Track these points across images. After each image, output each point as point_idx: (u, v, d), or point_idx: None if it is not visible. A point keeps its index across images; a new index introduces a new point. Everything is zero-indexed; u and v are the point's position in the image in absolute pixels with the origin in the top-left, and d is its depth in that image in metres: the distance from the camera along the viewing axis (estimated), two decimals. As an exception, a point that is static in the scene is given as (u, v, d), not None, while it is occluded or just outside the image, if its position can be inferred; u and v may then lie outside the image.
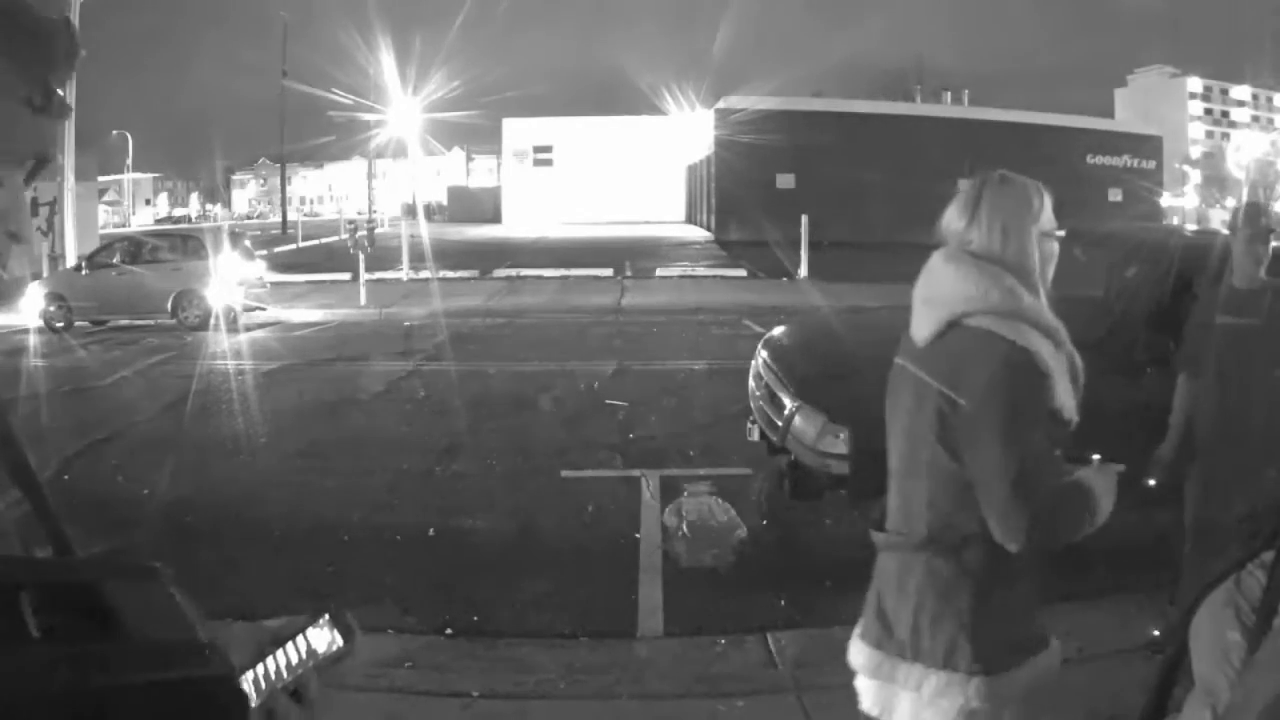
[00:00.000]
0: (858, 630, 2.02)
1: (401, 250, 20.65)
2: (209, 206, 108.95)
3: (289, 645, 0.90)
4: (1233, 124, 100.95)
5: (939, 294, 1.86)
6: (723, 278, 20.76)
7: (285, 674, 0.88)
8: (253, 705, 0.85)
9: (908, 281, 2.03)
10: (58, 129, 0.77)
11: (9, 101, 0.72)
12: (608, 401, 8.61)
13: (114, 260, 14.46)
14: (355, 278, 16.98)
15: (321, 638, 0.91)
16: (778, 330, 6.01)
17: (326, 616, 0.92)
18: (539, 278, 20.53)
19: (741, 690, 3.65)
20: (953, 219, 1.97)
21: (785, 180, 34.09)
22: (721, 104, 37.13)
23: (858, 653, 1.99)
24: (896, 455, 1.96)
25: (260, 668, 0.88)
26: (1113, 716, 3.14)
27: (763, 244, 23.50)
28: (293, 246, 32.43)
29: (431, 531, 5.45)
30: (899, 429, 1.94)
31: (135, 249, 14.89)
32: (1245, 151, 70.20)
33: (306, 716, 0.89)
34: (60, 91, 0.76)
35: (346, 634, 0.91)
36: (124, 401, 8.85)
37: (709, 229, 38.31)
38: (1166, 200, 50.20)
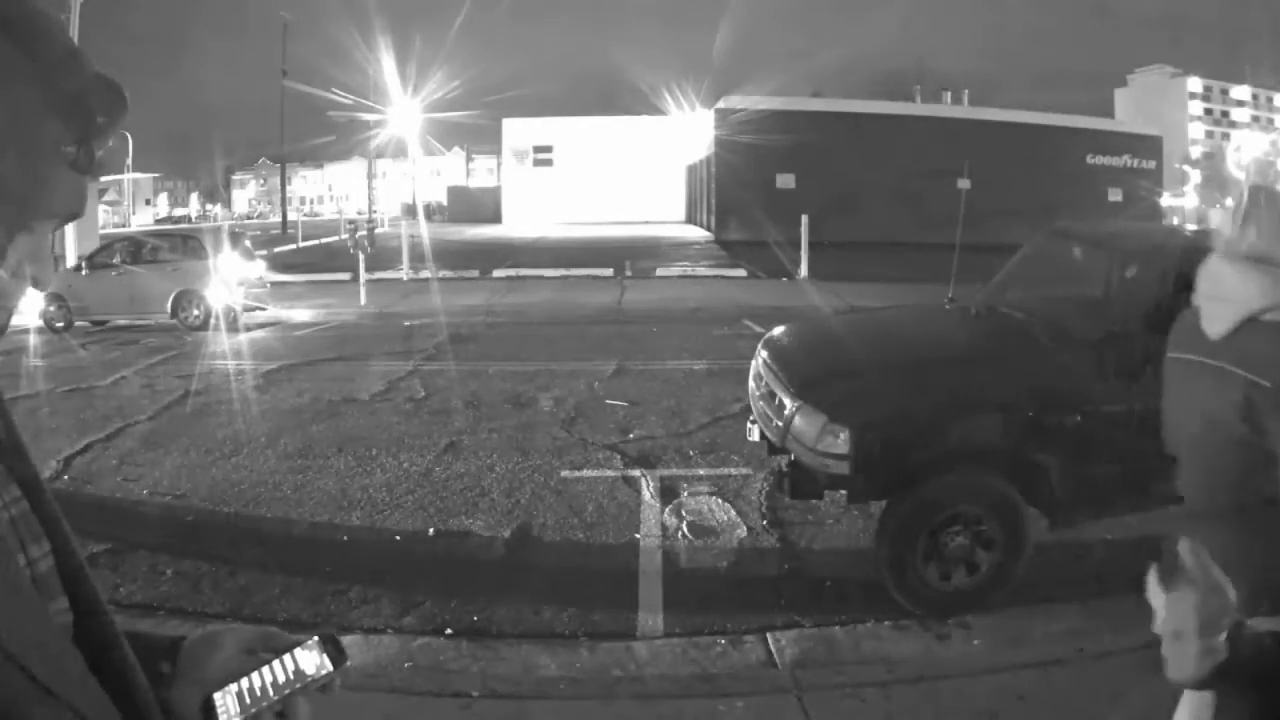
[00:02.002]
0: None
1: (401, 250, 20.66)
2: (209, 206, 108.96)
3: (275, 664, 0.89)
4: (1233, 124, 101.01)
5: (1229, 294, 2.13)
6: (723, 278, 20.76)
7: (271, 692, 0.87)
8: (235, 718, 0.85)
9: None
10: (88, 185, 0.80)
11: (59, 165, 0.75)
12: (608, 401, 8.61)
13: (114, 260, 14.46)
14: (355, 278, 16.99)
15: (310, 660, 0.90)
16: (778, 330, 6.00)
17: (316, 639, 0.91)
18: (539, 278, 20.54)
19: (741, 690, 3.65)
20: (1225, 225, 2.24)
21: (785, 180, 34.08)
22: (721, 104, 37.11)
23: None
24: (1191, 437, 2.24)
25: (245, 682, 0.87)
26: (1112, 717, 3.14)
27: (763, 244, 23.49)
28: (293, 246, 32.44)
29: (431, 531, 5.45)
30: (1194, 414, 2.21)
31: (135, 249, 14.87)
32: (1245, 151, 70.19)
33: None
34: (99, 153, 0.79)
35: (337, 659, 0.90)
36: (124, 401, 8.85)
37: (709, 229, 38.30)
38: (1166, 200, 50.16)
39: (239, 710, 0.86)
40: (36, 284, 0.79)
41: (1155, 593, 0.94)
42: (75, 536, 0.84)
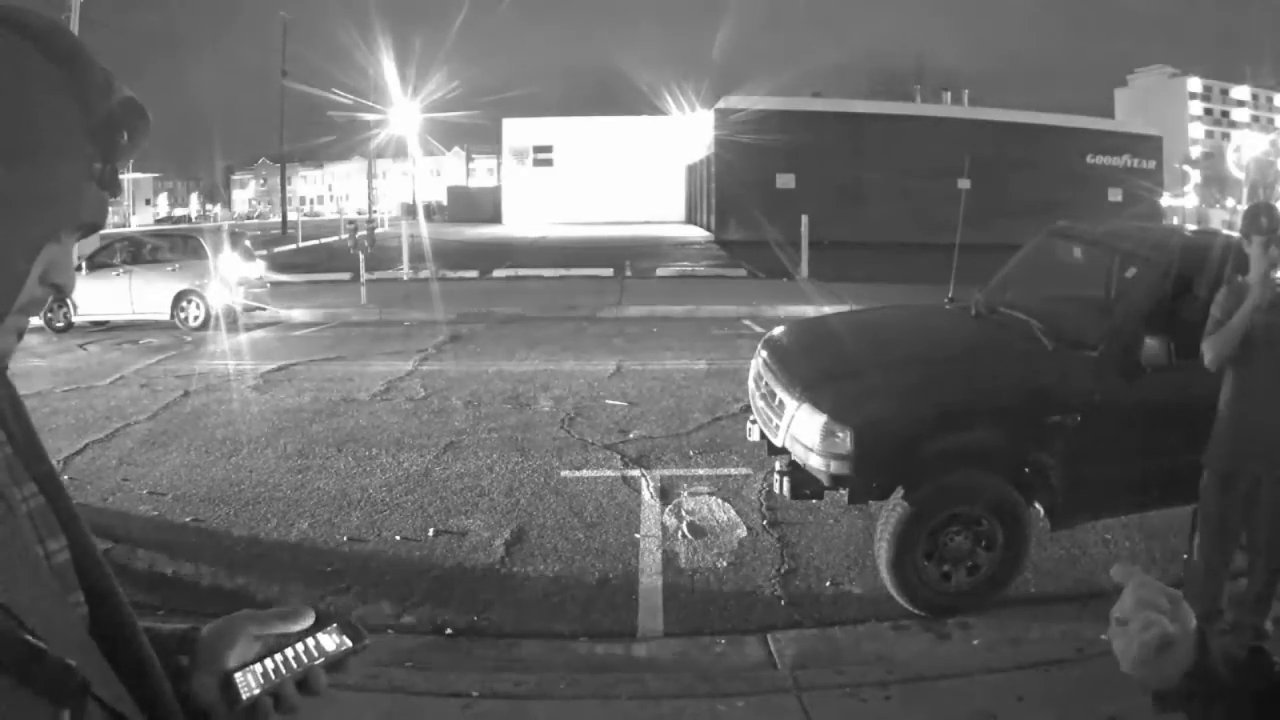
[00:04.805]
0: None
1: (402, 250, 20.65)
2: (209, 206, 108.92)
3: (296, 645, 0.93)
4: (1233, 124, 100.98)
5: None
6: (723, 277, 20.75)
7: (294, 666, 0.91)
8: (255, 693, 0.89)
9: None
10: (108, 200, 0.85)
11: (89, 180, 0.80)
12: (607, 401, 8.61)
13: (114, 260, 14.43)
14: (355, 278, 16.98)
15: (330, 641, 0.94)
16: (778, 330, 6.00)
17: (335, 624, 0.96)
18: (539, 277, 20.52)
19: (741, 690, 3.65)
20: None
21: (785, 180, 34.04)
22: (721, 104, 37.05)
23: None
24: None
25: (269, 662, 0.91)
26: (1112, 716, 3.14)
27: (763, 244, 23.46)
28: (293, 246, 32.40)
29: (431, 531, 5.45)
30: None
31: (135, 249, 14.84)
32: (1245, 151, 70.07)
33: (312, 704, 0.93)
34: (121, 170, 0.85)
35: (356, 638, 0.95)
36: (123, 401, 8.85)
37: (709, 229, 38.26)
38: (1166, 200, 50.11)
39: (258, 685, 0.89)
40: (60, 291, 0.83)
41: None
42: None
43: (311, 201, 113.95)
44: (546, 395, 8.90)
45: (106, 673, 0.79)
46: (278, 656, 0.91)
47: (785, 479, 4.65)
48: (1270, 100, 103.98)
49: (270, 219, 68.97)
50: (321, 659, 0.92)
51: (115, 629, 0.84)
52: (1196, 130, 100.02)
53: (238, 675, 0.89)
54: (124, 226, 51.66)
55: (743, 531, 5.44)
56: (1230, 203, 66.62)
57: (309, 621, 0.95)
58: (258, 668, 0.90)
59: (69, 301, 13.67)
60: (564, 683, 3.74)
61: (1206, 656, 0.91)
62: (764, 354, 5.40)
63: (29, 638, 0.70)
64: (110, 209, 0.86)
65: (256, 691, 0.88)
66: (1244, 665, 0.93)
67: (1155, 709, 0.95)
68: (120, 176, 0.84)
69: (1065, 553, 5.11)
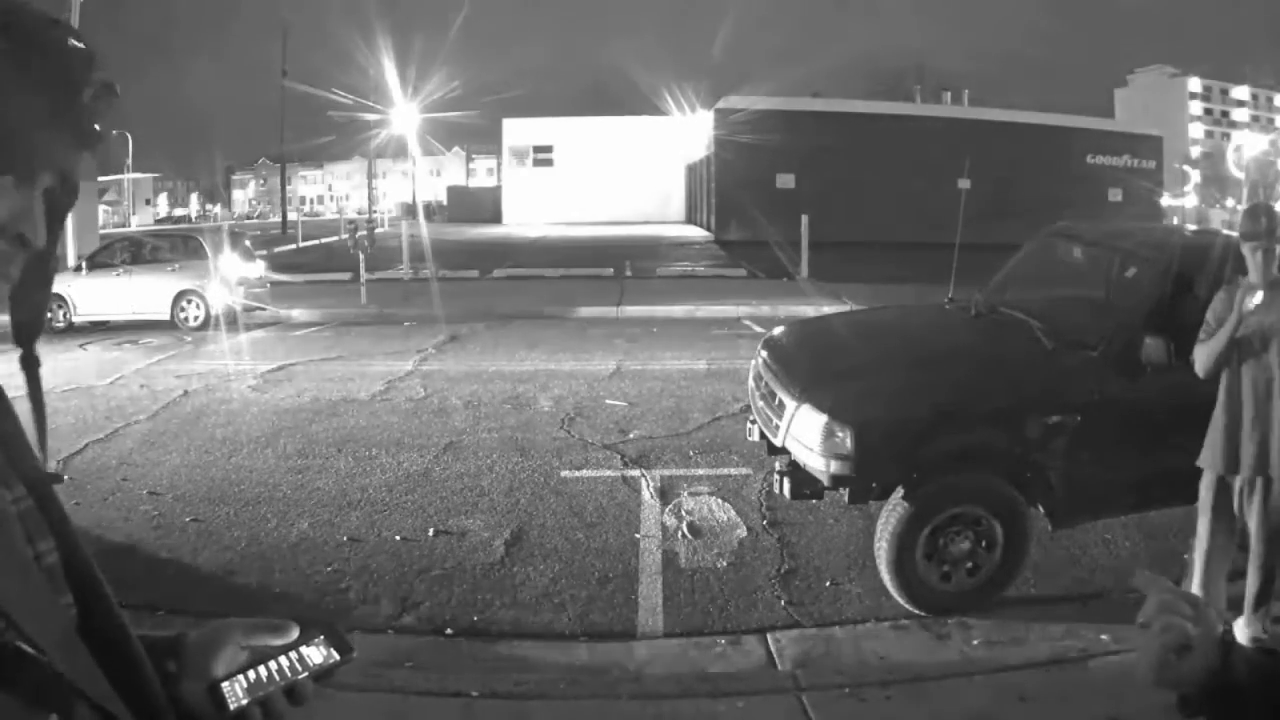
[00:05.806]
0: None
1: (402, 250, 20.64)
2: (209, 206, 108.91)
3: (281, 657, 0.92)
4: (1233, 124, 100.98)
5: None
6: (723, 277, 20.76)
7: (277, 678, 0.91)
8: (243, 703, 0.88)
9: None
10: (81, 153, 0.81)
11: (44, 122, 0.77)
12: (607, 401, 8.61)
13: (114, 260, 14.44)
14: (355, 278, 16.98)
15: (317, 653, 0.93)
16: (778, 330, 6.00)
17: (321, 636, 0.95)
18: (539, 277, 20.52)
19: (741, 690, 3.65)
20: None
21: (785, 180, 34.02)
22: (721, 104, 37.05)
23: None
24: None
25: (252, 674, 0.90)
26: (1113, 717, 3.14)
27: (763, 244, 23.46)
28: (293, 246, 32.38)
29: (431, 531, 5.45)
30: None
31: (135, 249, 14.85)
32: (1245, 151, 70.03)
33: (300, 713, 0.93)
34: (97, 125, 0.81)
35: (343, 649, 0.94)
36: (123, 401, 8.85)
37: (709, 229, 38.25)
38: (1166, 200, 50.09)
39: (246, 695, 0.89)
40: (24, 243, 0.79)
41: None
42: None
43: (311, 201, 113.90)
44: (546, 395, 8.90)
45: (94, 673, 0.79)
46: (267, 667, 0.91)
47: (785, 479, 4.64)
48: (1270, 100, 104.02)
49: (270, 219, 68.94)
50: (308, 672, 0.92)
51: (105, 630, 0.84)
52: (1196, 130, 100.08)
53: (224, 684, 0.89)
54: (124, 226, 51.72)
55: (743, 531, 5.44)
56: (1230, 203, 66.53)
57: (295, 634, 0.94)
58: (245, 678, 0.89)
59: (69, 301, 13.69)
60: (564, 683, 3.74)
61: (1230, 660, 0.90)
62: (764, 354, 5.40)
63: (21, 644, 0.70)
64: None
65: (244, 701, 0.88)
66: (1263, 668, 0.93)
67: (1180, 713, 0.94)
68: (95, 128, 0.80)
69: (1065, 553, 5.10)
